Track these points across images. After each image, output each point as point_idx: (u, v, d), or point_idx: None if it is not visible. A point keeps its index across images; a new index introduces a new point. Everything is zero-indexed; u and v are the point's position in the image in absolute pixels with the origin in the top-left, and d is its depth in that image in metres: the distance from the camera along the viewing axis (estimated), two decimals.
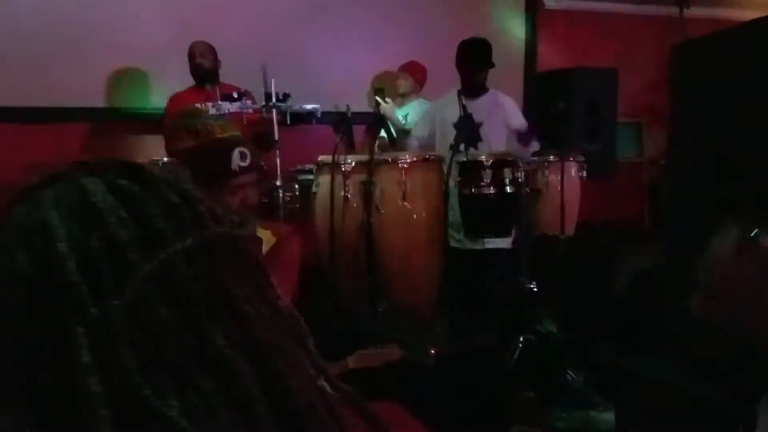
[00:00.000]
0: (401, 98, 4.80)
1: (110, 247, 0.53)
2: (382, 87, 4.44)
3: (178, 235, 0.55)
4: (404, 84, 4.82)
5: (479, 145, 3.83)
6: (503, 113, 4.05)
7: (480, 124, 3.72)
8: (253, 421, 0.52)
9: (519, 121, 4.07)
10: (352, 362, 2.30)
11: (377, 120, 4.23)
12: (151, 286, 0.52)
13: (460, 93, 3.58)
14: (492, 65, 4.02)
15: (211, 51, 4.28)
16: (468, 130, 3.37)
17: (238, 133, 2.35)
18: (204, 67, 4.23)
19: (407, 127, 4.42)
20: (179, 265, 0.53)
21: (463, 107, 3.45)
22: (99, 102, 4.53)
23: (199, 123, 2.30)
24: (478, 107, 3.81)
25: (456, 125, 3.45)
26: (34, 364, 0.51)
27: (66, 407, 0.50)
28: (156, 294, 0.52)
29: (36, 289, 0.52)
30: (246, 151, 2.21)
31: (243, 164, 2.18)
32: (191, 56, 4.26)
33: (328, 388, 0.60)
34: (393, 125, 4.34)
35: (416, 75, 4.83)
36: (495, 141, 3.96)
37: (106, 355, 0.50)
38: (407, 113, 4.65)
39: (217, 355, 0.52)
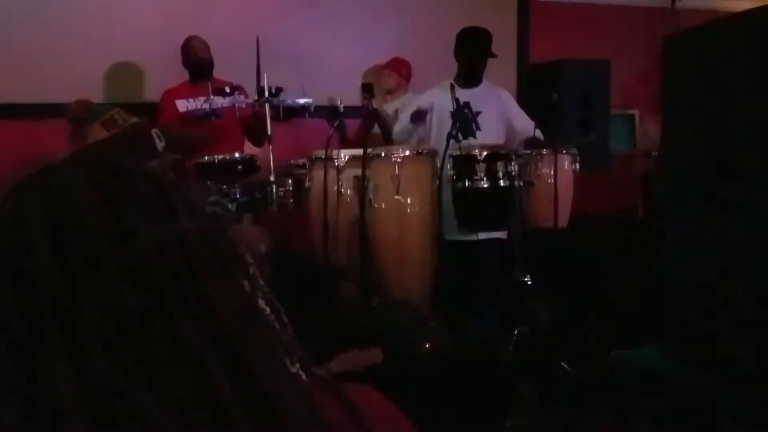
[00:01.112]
0: (388, 95, 4.81)
1: (82, 237, 0.55)
2: (370, 83, 4.45)
3: (151, 227, 0.56)
4: (388, 80, 4.84)
5: (477, 134, 3.80)
6: (502, 107, 4.03)
7: (478, 113, 3.70)
8: (221, 410, 0.53)
9: (524, 120, 4.02)
10: (335, 366, 2.31)
11: (370, 114, 4.23)
12: (120, 276, 0.53)
13: (452, 84, 3.56)
14: (493, 55, 3.99)
15: (207, 46, 4.27)
16: (465, 119, 3.35)
17: (137, 119, 2.34)
18: (205, 61, 4.22)
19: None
20: (150, 257, 0.55)
21: (456, 99, 3.44)
22: (92, 96, 4.48)
23: (103, 115, 2.28)
24: (475, 96, 3.78)
25: (453, 114, 3.42)
26: (15, 351, 0.53)
27: (41, 395, 0.51)
28: (125, 284, 0.53)
29: (15, 278, 0.54)
30: (160, 132, 2.20)
31: (162, 144, 2.17)
32: (191, 50, 4.23)
33: (303, 376, 0.61)
34: (384, 121, 4.34)
35: (400, 71, 4.84)
36: (492, 130, 3.93)
37: (76, 343, 0.52)
38: (396, 108, 4.65)
39: (184, 346, 0.53)
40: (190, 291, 0.55)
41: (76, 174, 0.59)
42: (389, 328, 2.86)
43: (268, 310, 0.62)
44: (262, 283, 0.63)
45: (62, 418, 0.50)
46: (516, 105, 4.14)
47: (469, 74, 3.97)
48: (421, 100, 4.15)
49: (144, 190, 0.59)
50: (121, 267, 0.53)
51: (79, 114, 2.56)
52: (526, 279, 3.30)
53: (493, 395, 2.85)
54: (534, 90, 4.84)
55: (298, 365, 0.61)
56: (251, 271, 0.62)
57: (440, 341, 2.92)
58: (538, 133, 3.77)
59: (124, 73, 4.58)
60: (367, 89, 4.26)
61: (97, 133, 2.26)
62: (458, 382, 2.78)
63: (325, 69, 4.85)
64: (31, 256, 0.54)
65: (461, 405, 2.70)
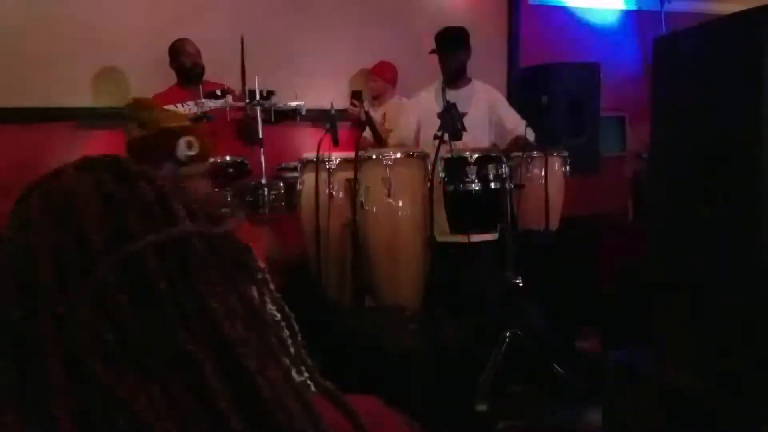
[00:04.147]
0: (375, 100, 4.82)
1: (80, 241, 0.55)
2: (359, 90, 4.46)
3: (149, 231, 0.56)
4: (374, 87, 4.83)
5: (464, 135, 3.80)
6: (490, 107, 4.03)
7: (464, 114, 3.71)
8: (217, 415, 0.52)
9: (514, 119, 4.00)
10: None
11: (362, 118, 4.25)
12: (114, 279, 0.53)
13: (444, 89, 3.58)
14: (462, 49, 3.98)
15: (200, 51, 4.24)
16: (452, 120, 3.36)
17: (187, 123, 2.32)
18: (200, 67, 4.18)
19: (387, 126, 4.43)
20: (147, 259, 0.54)
21: (447, 102, 3.45)
22: (77, 101, 4.47)
23: (148, 114, 2.27)
24: (460, 97, 3.80)
25: (440, 115, 3.44)
26: (11, 354, 0.53)
27: (35, 399, 0.52)
28: (120, 286, 0.53)
29: (16, 281, 0.55)
30: (193, 140, 2.17)
31: (190, 153, 2.14)
32: (185, 54, 4.18)
33: (312, 385, 0.61)
34: (375, 125, 4.36)
35: (384, 75, 4.83)
36: (479, 131, 3.95)
37: (69, 344, 0.52)
38: (385, 113, 4.66)
39: (179, 350, 0.53)
40: (187, 296, 0.54)
41: (81, 178, 0.59)
42: (368, 331, 2.87)
43: (278, 316, 0.62)
44: (272, 288, 0.62)
45: (56, 422, 0.50)
46: (506, 104, 4.14)
47: (447, 71, 3.98)
48: (410, 105, 4.18)
49: (145, 194, 0.59)
50: (117, 270, 0.53)
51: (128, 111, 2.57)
52: (517, 281, 3.30)
53: (483, 396, 2.86)
54: (524, 93, 4.86)
55: (306, 375, 0.61)
56: (259, 276, 0.62)
57: (433, 342, 2.93)
58: (529, 132, 3.78)
59: (111, 78, 4.55)
60: (356, 96, 4.28)
61: (131, 131, 2.28)
62: (450, 383, 2.79)
63: (315, 74, 4.85)
64: (31, 258, 0.54)
65: (454, 406, 2.71)
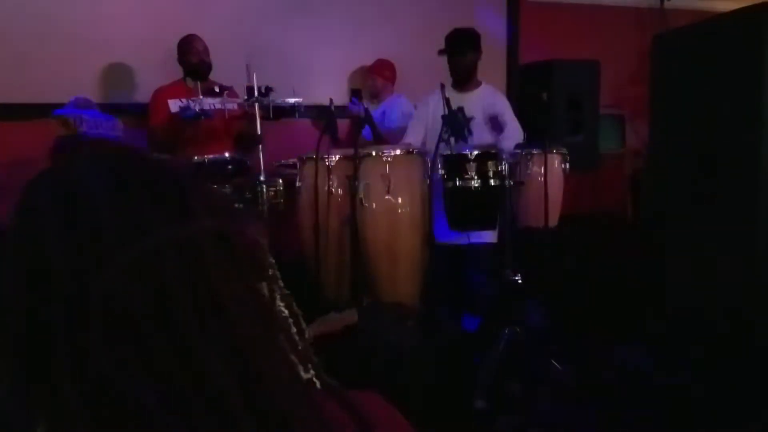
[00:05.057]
0: (374, 98, 4.82)
1: (94, 232, 0.54)
2: (359, 89, 4.46)
3: (165, 225, 0.55)
4: (373, 85, 4.84)
5: (469, 139, 3.77)
6: (496, 113, 4.00)
7: (471, 119, 3.69)
8: (227, 414, 0.52)
9: (513, 130, 3.96)
10: (314, 330, 2.30)
11: (361, 115, 4.24)
12: (128, 273, 0.52)
13: (442, 86, 3.56)
14: (471, 51, 3.94)
15: (208, 49, 4.22)
16: (457, 124, 3.34)
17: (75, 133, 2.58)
18: (207, 64, 4.15)
19: (386, 124, 4.43)
20: (164, 255, 0.54)
21: (447, 101, 3.43)
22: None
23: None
24: (470, 101, 3.76)
25: (444, 118, 3.42)
26: (21, 345, 0.53)
27: (44, 391, 0.51)
28: (135, 281, 0.52)
29: (25, 271, 0.54)
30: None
31: None
32: (194, 51, 4.15)
33: (317, 383, 0.61)
34: (374, 123, 4.35)
35: (383, 73, 4.83)
36: (484, 136, 3.90)
37: (80, 337, 0.51)
38: (383, 111, 4.66)
39: (191, 347, 0.52)
40: (200, 291, 0.54)
41: (97, 166, 0.58)
42: (366, 329, 2.87)
43: (286, 313, 0.62)
44: (282, 285, 0.62)
45: (64, 414, 0.50)
46: (510, 112, 4.09)
47: (456, 73, 3.96)
48: (418, 112, 4.15)
49: (163, 186, 0.58)
50: (132, 264, 0.53)
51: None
52: (516, 278, 3.30)
53: (482, 393, 2.87)
54: (524, 90, 4.85)
55: (312, 372, 0.61)
56: (270, 273, 0.61)
57: (432, 339, 2.93)
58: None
59: (114, 75, 4.55)
60: (356, 94, 4.28)
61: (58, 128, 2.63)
62: (449, 380, 2.79)
63: (314, 71, 4.85)
64: (41, 247, 0.54)
65: (453, 403, 2.71)
